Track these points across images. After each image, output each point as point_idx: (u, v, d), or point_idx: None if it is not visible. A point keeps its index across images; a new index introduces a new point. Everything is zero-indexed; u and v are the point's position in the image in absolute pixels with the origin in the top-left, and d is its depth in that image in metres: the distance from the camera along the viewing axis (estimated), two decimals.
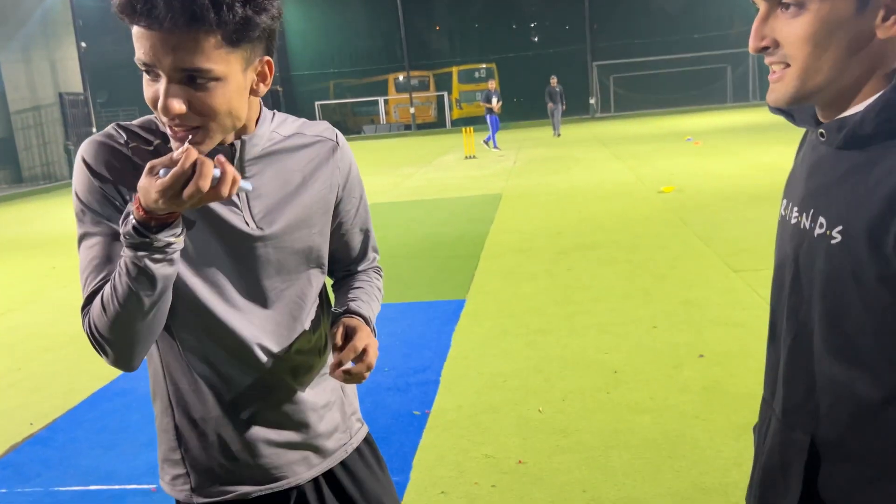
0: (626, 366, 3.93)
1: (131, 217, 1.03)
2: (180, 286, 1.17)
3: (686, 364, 3.89)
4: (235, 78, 1.08)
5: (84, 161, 1.16)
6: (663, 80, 30.60)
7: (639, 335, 4.38)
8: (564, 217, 8.45)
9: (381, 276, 1.52)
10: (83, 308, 1.16)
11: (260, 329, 1.25)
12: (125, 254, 1.06)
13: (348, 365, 1.23)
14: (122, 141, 1.17)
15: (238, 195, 1.20)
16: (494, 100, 17.61)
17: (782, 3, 0.94)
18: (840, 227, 0.95)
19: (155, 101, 1.06)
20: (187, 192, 0.98)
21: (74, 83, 20.26)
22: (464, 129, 18.05)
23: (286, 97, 31.08)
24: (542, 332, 4.57)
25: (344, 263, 1.46)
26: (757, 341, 4.10)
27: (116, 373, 4.28)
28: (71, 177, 1.32)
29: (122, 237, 1.05)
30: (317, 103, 30.93)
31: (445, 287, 5.88)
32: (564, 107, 21.86)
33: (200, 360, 1.25)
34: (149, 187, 0.99)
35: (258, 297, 1.25)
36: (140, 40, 1.02)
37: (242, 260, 1.22)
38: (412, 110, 30.89)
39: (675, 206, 8.37)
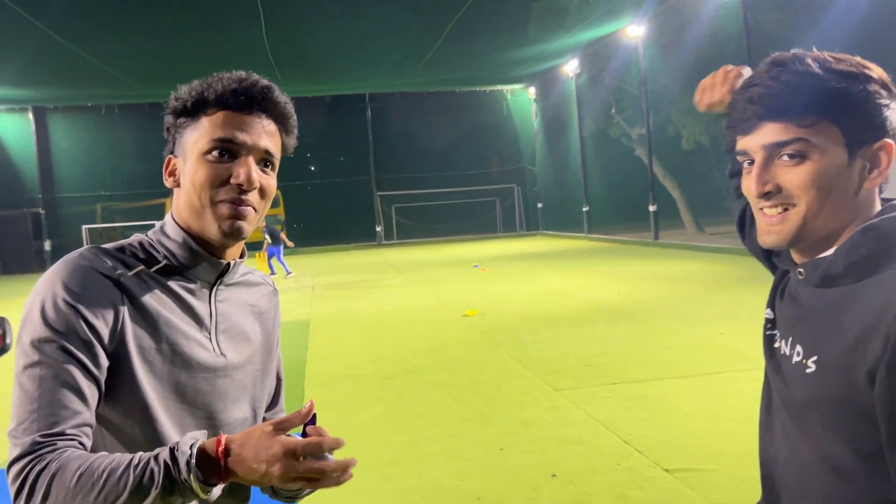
0: (486, 491, 3.94)
1: (194, 449, 1.00)
2: (149, 422, 1.13)
3: (543, 484, 3.98)
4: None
5: (65, 286, 1.09)
6: (440, 210, 32.61)
7: (488, 459, 4.44)
8: (380, 342, 8.48)
9: None
10: (24, 456, 1.01)
11: None
12: (160, 465, 1.00)
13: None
14: (107, 267, 1.15)
15: (208, 321, 1.24)
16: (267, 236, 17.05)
17: (782, 155, 1.03)
18: (815, 358, 1.04)
19: (222, 178, 1.17)
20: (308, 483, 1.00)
21: None
22: (256, 254, 17.67)
23: (48, 220, 28.39)
24: (393, 462, 4.45)
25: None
26: (599, 457, 4.34)
27: None
28: None
29: (173, 458, 1.00)
30: (84, 227, 28.64)
31: None
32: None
33: None
34: (280, 458, 0.97)
35: (219, 431, 1.22)
36: (228, 123, 1.18)
37: (204, 392, 1.22)
38: None
39: (483, 329, 8.77)
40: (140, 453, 1.02)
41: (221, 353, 1.24)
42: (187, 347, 1.19)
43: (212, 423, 1.22)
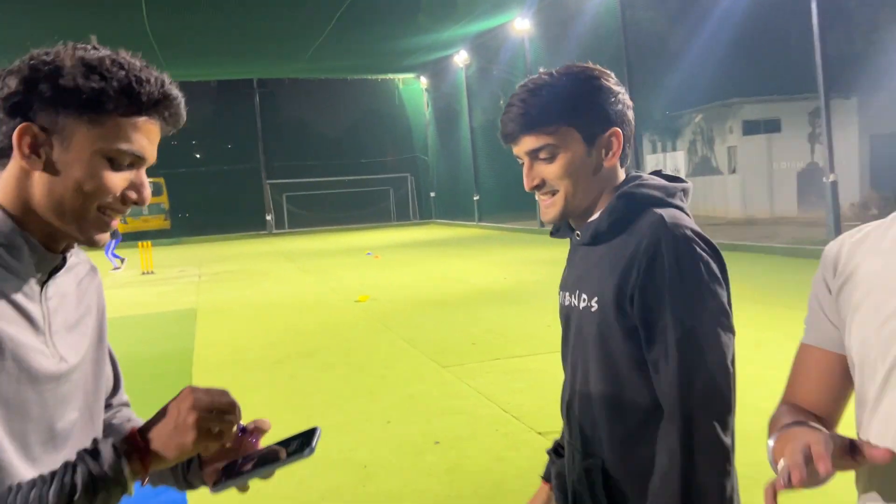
0: (373, 460, 4.14)
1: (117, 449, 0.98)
2: None
3: (426, 451, 4.23)
4: None
5: None
6: (333, 199, 32.40)
7: (376, 431, 4.64)
8: (270, 328, 8.49)
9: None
10: None
11: None
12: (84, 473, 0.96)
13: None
14: None
15: (42, 324, 1.07)
16: None
17: (539, 157, 1.40)
18: (596, 298, 1.40)
19: (120, 188, 1.04)
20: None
21: None
22: (140, 243, 17.04)
23: None
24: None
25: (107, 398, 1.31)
26: (479, 424, 4.63)
27: None
28: None
29: (95, 459, 0.97)
30: None
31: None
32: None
33: None
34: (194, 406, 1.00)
35: (55, 440, 1.06)
36: (142, 132, 1.04)
37: (49, 404, 1.05)
38: None
39: (375, 314, 8.95)
40: (37, 477, 0.95)
41: (62, 358, 1.07)
42: (32, 360, 1.01)
43: (51, 436, 1.05)
